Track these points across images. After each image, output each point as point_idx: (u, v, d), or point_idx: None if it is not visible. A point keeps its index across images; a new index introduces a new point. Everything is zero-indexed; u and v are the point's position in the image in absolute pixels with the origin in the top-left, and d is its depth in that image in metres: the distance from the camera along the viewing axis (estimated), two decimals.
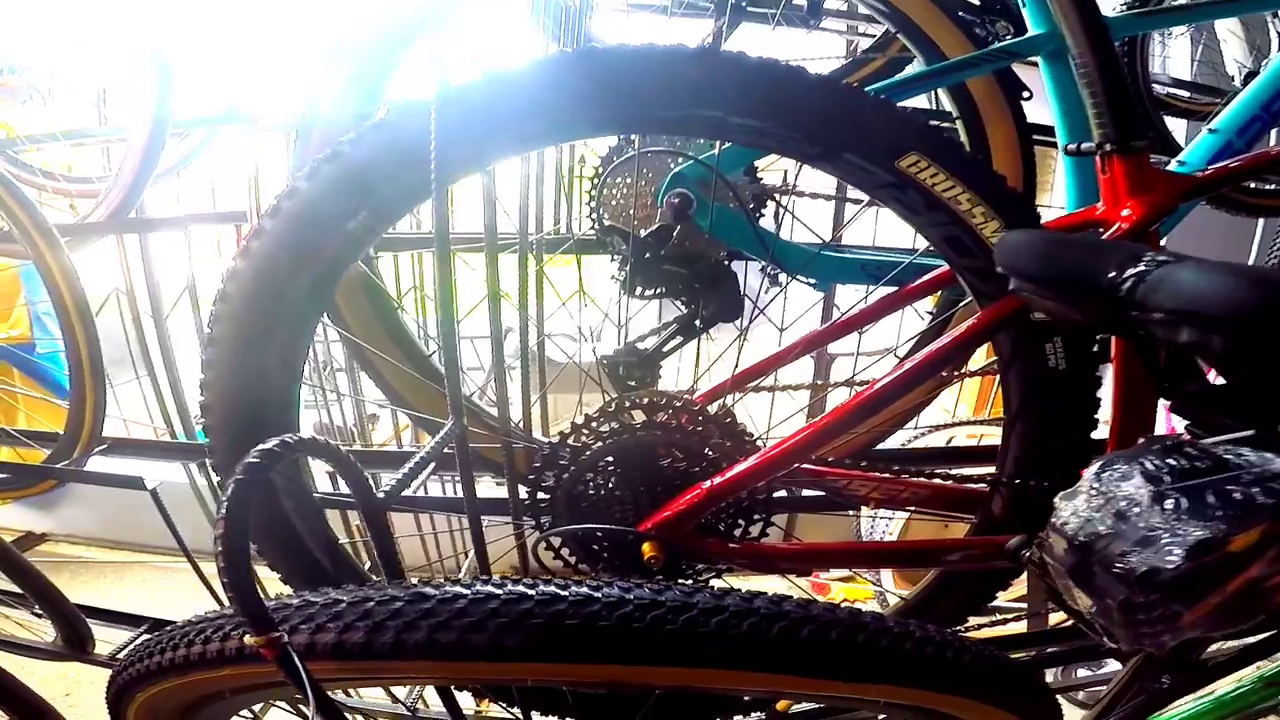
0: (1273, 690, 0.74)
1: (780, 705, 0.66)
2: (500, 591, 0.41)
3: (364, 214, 0.65)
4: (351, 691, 1.01)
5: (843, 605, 0.49)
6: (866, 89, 0.82)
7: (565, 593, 0.42)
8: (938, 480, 0.79)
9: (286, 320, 0.67)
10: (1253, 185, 1.28)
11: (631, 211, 0.80)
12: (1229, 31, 1.28)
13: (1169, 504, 0.38)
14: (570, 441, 0.69)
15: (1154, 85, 1.35)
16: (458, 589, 0.42)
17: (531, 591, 0.41)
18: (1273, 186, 1.28)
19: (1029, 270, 0.48)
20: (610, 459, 0.69)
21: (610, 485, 0.71)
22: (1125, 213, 0.69)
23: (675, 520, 0.65)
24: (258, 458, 0.38)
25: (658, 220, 0.76)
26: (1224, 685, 0.78)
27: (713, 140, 0.75)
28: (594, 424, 0.69)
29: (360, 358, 0.90)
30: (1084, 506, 0.41)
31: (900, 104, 0.70)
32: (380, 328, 0.89)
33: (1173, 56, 1.52)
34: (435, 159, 0.58)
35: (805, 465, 0.77)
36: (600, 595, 0.42)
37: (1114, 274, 0.38)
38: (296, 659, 0.36)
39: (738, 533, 0.73)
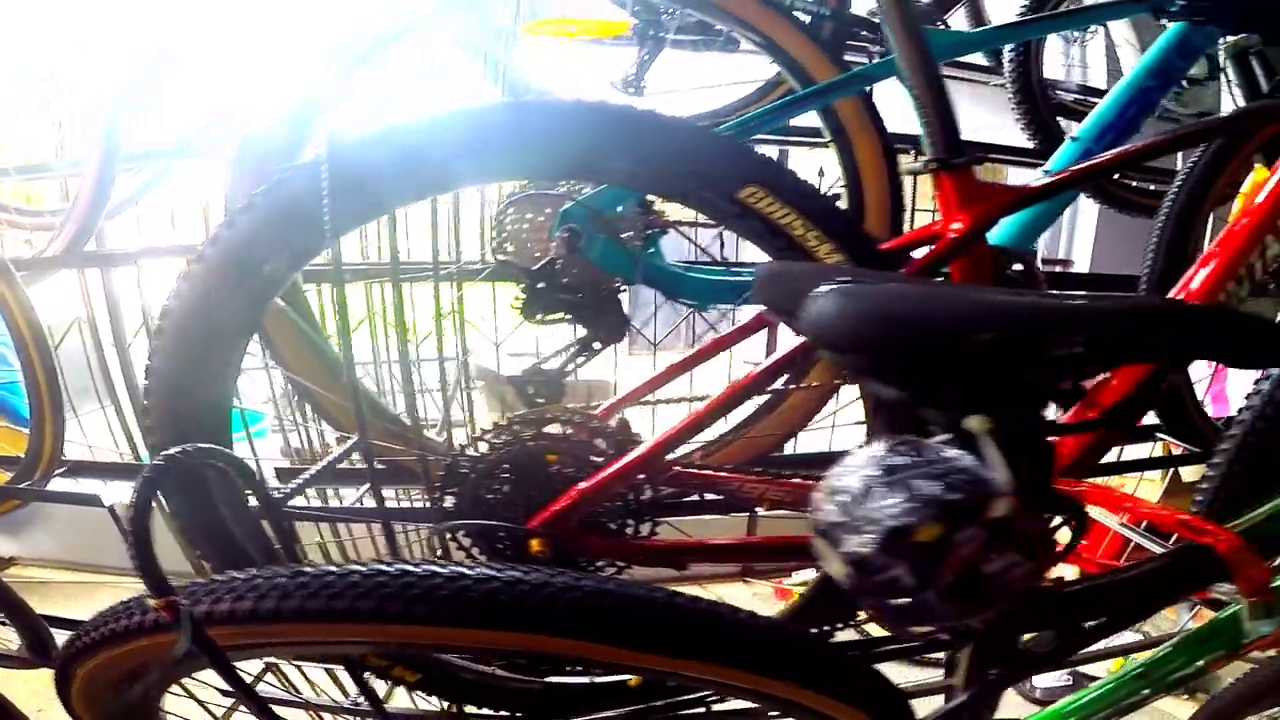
0: (1142, 684, 0.80)
1: (631, 681, 0.79)
2: (363, 569, 0.54)
3: (279, 257, 0.79)
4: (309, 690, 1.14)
5: (665, 589, 0.60)
6: (732, 121, 0.97)
7: (416, 569, 0.55)
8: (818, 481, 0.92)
9: (215, 353, 0.81)
10: (1152, 187, 1.42)
11: (530, 245, 0.94)
12: (1124, 39, 1.42)
13: (873, 496, 0.47)
14: (471, 451, 0.83)
15: (1059, 92, 1.48)
16: (331, 569, 0.55)
17: (389, 569, 0.55)
18: (1154, 186, 1.41)
19: (763, 299, 0.61)
20: (506, 465, 0.83)
21: (509, 489, 0.84)
22: (955, 226, 0.83)
23: (557, 518, 0.78)
24: (162, 460, 0.51)
25: (552, 254, 0.89)
26: (1102, 681, 0.86)
27: (590, 182, 0.89)
28: (491, 436, 0.83)
29: (299, 385, 1.04)
30: (824, 498, 0.52)
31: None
32: (314, 357, 1.03)
33: (1092, 65, 1.66)
34: (330, 210, 0.72)
35: (691, 470, 0.90)
36: (445, 571, 0.55)
37: (800, 299, 0.50)
38: (189, 617, 0.49)
39: (629, 531, 0.86)
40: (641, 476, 0.83)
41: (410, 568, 0.55)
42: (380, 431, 0.94)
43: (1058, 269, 2.14)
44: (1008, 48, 1.46)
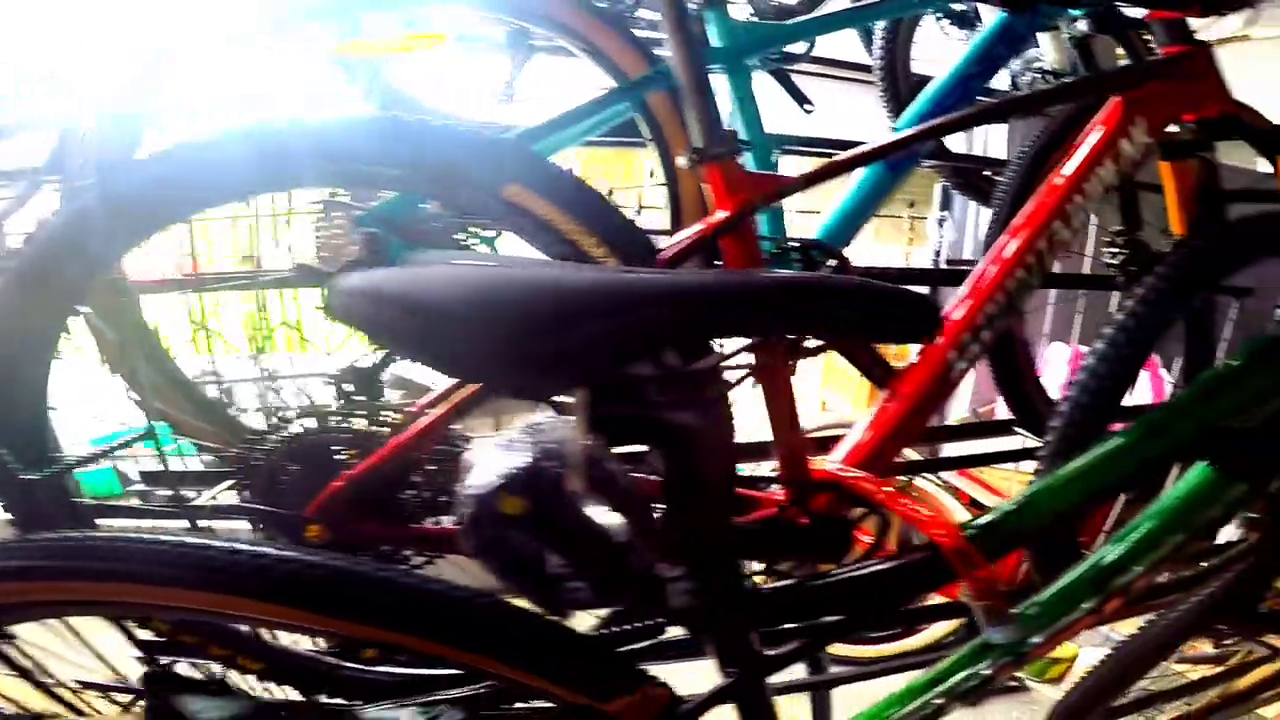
0: (935, 691, 0.82)
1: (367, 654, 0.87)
2: (79, 535, 0.65)
3: (73, 268, 0.91)
4: None
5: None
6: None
7: (125, 535, 0.65)
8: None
9: (27, 359, 0.93)
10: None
11: (342, 250, 1.05)
12: None
13: (474, 469, 0.52)
14: (258, 444, 0.94)
15: None
16: (53, 534, 0.66)
17: (127, 535, 0.65)
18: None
19: None
20: (293, 457, 0.94)
21: (303, 479, 0.95)
22: (720, 215, 0.92)
23: (327, 504, 0.88)
24: None
25: (355, 257, 1.00)
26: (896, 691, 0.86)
27: (368, 189, 1.00)
28: (278, 429, 0.94)
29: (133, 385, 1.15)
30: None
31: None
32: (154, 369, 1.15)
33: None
34: (107, 226, 0.84)
35: None
36: (147, 537, 0.65)
37: None
38: None
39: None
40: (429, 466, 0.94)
41: (124, 534, 0.66)
42: (194, 429, 1.06)
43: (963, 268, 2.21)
44: (878, 38, 1.56)
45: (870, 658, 2.21)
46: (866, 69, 1.80)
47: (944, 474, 2.38)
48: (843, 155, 0.94)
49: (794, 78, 1.45)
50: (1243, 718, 1.25)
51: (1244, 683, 1.20)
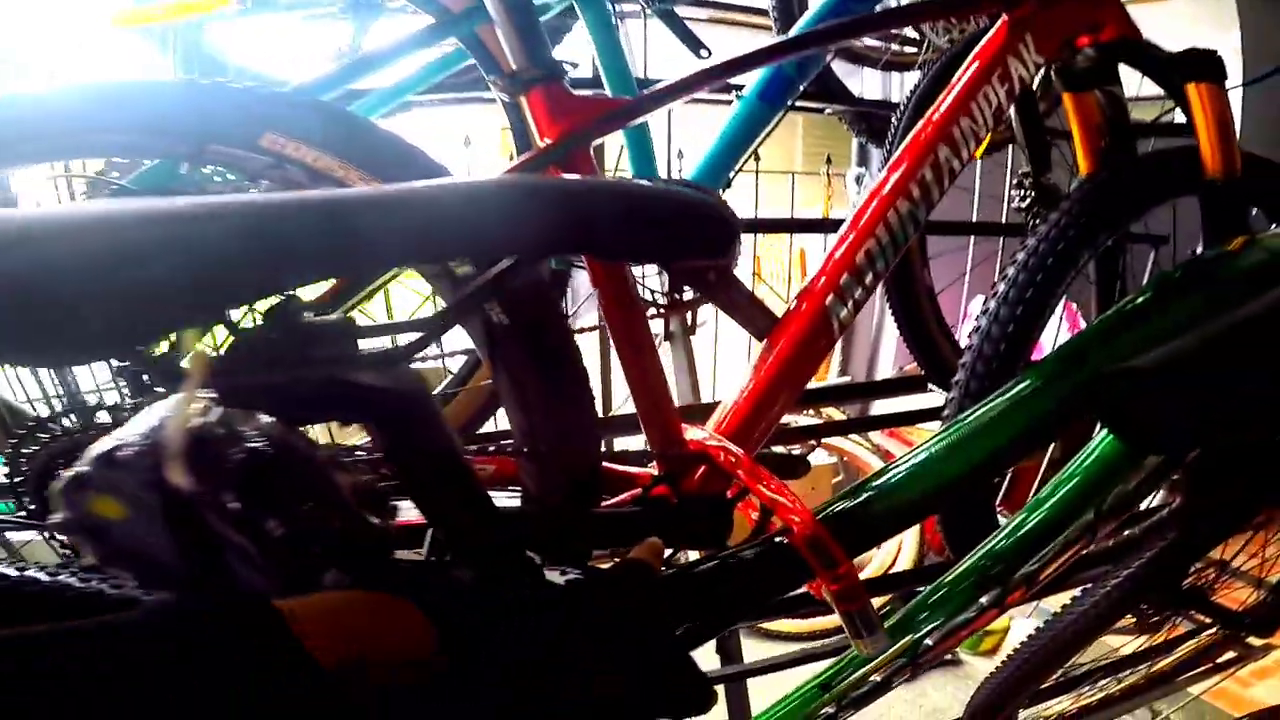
0: (825, 696, 0.77)
1: None
2: None
3: None
4: None
5: None
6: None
7: None
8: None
9: None
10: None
11: None
12: None
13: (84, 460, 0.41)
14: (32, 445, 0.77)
15: None
16: None
17: None
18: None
19: None
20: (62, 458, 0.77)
21: None
22: (546, 141, 0.78)
23: None
24: None
25: None
26: (785, 695, 0.80)
27: (88, 157, 0.84)
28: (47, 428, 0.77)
29: None
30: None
31: None
32: None
33: None
34: None
35: None
36: None
37: None
38: None
39: None
40: None
41: None
42: None
43: None
44: None
45: (801, 633, 2.10)
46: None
47: (875, 436, 2.26)
48: (688, 74, 0.79)
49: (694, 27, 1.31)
50: (1172, 695, 1.16)
51: (1170, 660, 1.09)
